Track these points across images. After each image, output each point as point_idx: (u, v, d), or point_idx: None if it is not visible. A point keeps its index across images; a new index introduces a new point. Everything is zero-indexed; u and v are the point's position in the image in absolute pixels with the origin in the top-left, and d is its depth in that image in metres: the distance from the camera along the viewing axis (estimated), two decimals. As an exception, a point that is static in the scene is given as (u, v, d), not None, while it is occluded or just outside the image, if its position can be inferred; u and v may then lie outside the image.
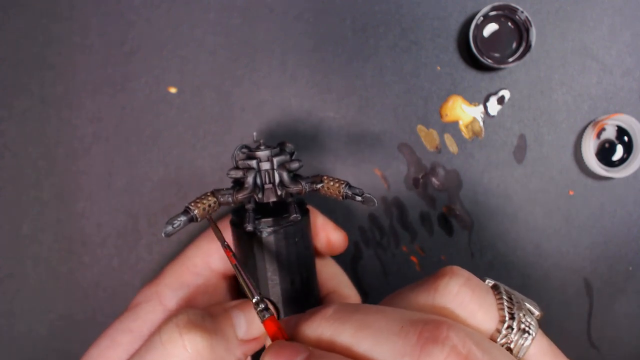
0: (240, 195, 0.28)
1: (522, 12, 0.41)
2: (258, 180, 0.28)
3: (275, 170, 0.28)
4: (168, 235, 0.26)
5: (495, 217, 0.44)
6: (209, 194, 0.28)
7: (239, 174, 0.28)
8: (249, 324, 0.28)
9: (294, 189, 0.29)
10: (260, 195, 0.29)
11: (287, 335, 0.24)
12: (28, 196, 0.44)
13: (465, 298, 0.23)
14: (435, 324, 0.21)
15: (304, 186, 0.29)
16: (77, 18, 0.44)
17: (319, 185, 0.29)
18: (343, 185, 0.29)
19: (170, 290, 0.30)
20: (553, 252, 0.44)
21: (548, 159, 0.44)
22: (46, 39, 0.44)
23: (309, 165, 0.44)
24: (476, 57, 0.42)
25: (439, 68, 0.44)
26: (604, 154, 0.43)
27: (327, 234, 0.33)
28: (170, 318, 0.26)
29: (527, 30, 0.42)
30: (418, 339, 0.21)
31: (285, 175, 0.28)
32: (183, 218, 0.26)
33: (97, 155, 0.44)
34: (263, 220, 0.28)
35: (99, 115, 0.44)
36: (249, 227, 0.27)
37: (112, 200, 0.44)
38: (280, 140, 0.31)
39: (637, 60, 0.43)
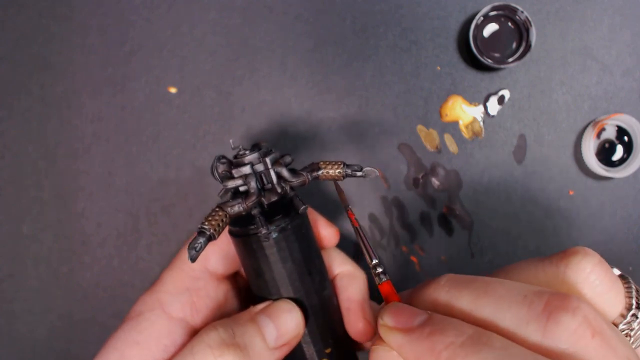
0: (250, 202, 0.27)
1: (522, 12, 0.41)
2: (259, 184, 0.28)
3: (271, 170, 0.28)
4: (194, 259, 0.25)
5: (495, 217, 0.44)
6: (217, 209, 0.27)
7: (237, 182, 0.28)
8: (278, 331, 0.28)
9: (297, 181, 0.28)
10: (263, 198, 0.28)
11: (401, 301, 0.25)
12: (28, 196, 0.44)
13: (598, 278, 0.23)
14: (564, 295, 0.21)
15: (306, 176, 0.29)
16: (77, 18, 0.44)
17: (319, 172, 0.29)
18: (341, 166, 0.29)
19: (171, 297, 0.30)
20: (553, 252, 0.44)
21: (548, 159, 0.44)
22: (46, 39, 0.44)
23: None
24: (476, 57, 0.42)
25: (439, 68, 0.44)
26: (604, 154, 0.43)
27: (319, 230, 0.33)
28: (201, 337, 0.26)
29: (527, 30, 0.42)
30: (545, 307, 0.20)
31: (284, 171, 0.28)
32: (202, 240, 0.26)
33: (97, 155, 0.44)
34: (271, 221, 0.28)
35: (99, 115, 0.44)
36: (265, 231, 0.27)
37: (112, 200, 0.44)
38: (276, 141, 0.31)
39: (637, 60, 0.43)
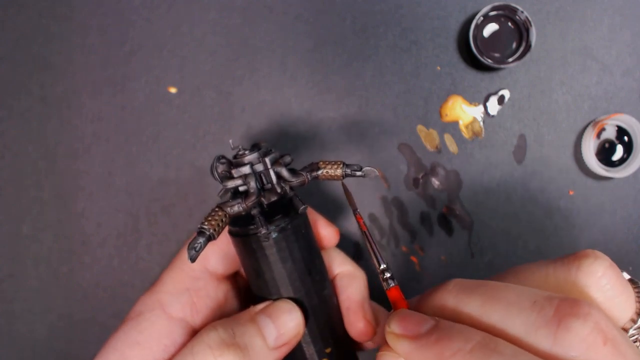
0: (249, 202, 0.27)
1: (522, 12, 0.41)
2: (259, 184, 0.28)
3: (270, 170, 0.28)
4: (194, 259, 0.25)
5: (495, 217, 0.44)
6: (216, 209, 0.27)
7: (237, 182, 0.28)
8: (278, 330, 0.28)
9: (296, 181, 0.28)
10: (263, 198, 0.28)
11: (409, 307, 0.25)
12: (28, 196, 0.44)
13: (609, 282, 0.23)
14: (574, 301, 0.20)
15: (306, 176, 0.29)
16: (77, 18, 0.44)
17: (318, 172, 0.29)
18: (341, 166, 0.29)
19: (171, 297, 0.30)
20: (553, 252, 0.44)
21: (548, 159, 0.44)
22: (46, 39, 0.44)
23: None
24: (476, 57, 0.42)
25: (439, 68, 0.44)
26: (604, 154, 0.43)
27: (319, 230, 0.33)
28: (201, 338, 0.26)
29: (527, 30, 0.42)
30: (555, 313, 0.20)
31: (283, 170, 0.28)
32: (201, 240, 0.26)
33: (97, 155, 0.44)
34: (271, 221, 0.28)
35: (99, 115, 0.44)
36: (264, 231, 0.27)
37: (112, 200, 0.44)
38: (276, 141, 0.31)
39: (637, 60, 0.43)
